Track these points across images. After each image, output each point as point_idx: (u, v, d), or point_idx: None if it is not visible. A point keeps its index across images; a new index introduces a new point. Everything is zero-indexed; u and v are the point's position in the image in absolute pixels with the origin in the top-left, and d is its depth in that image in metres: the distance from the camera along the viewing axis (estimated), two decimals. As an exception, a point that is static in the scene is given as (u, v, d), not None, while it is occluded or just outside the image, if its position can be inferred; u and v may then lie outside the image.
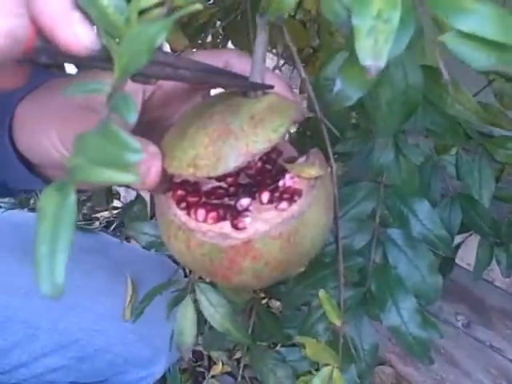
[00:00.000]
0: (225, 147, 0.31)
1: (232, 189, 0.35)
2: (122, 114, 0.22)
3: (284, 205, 0.32)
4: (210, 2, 0.63)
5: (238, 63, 0.35)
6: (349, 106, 0.36)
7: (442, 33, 0.21)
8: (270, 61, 0.64)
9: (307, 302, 0.49)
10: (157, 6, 0.25)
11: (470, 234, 0.59)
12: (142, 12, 0.25)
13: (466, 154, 0.55)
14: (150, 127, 0.37)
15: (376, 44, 0.20)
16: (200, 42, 0.65)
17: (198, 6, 0.22)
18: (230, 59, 0.36)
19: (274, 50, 0.50)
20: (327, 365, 0.40)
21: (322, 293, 0.40)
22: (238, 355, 1.19)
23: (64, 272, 0.18)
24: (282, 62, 0.87)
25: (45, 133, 0.34)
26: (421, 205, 0.47)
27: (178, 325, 0.49)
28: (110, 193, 0.75)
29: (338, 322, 0.40)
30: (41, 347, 0.70)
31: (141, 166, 0.30)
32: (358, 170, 0.48)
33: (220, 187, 0.35)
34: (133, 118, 0.21)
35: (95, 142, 0.20)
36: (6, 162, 0.38)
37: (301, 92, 0.85)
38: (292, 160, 0.36)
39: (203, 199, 0.34)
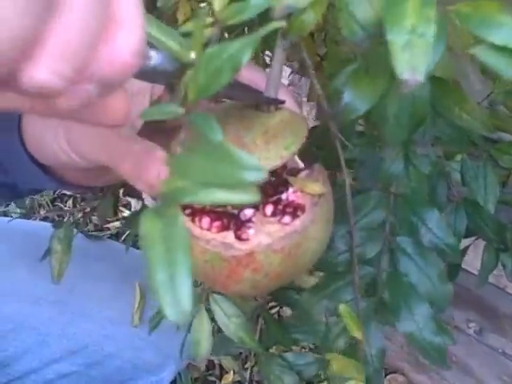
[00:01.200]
0: None
1: None
2: (207, 134, 0.21)
3: (287, 219, 0.32)
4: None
5: (247, 74, 0.36)
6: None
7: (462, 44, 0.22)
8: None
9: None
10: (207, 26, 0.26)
11: (477, 238, 0.59)
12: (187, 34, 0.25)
13: (471, 160, 0.55)
14: (154, 127, 0.38)
15: (413, 58, 0.21)
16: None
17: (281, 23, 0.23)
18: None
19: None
20: (350, 378, 0.41)
21: (342, 307, 0.40)
22: (249, 364, 1.19)
23: (190, 298, 0.17)
24: (289, 70, 0.87)
25: (52, 134, 0.35)
26: (430, 214, 0.47)
27: (193, 335, 0.49)
28: (116, 204, 0.74)
29: (359, 335, 0.40)
30: (51, 353, 0.71)
31: (150, 171, 0.30)
32: (368, 179, 0.48)
33: None
34: (219, 137, 0.21)
35: (201, 163, 0.19)
36: (16, 162, 0.39)
37: (309, 100, 0.85)
38: (295, 172, 0.36)
39: (208, 206, 0.34)
